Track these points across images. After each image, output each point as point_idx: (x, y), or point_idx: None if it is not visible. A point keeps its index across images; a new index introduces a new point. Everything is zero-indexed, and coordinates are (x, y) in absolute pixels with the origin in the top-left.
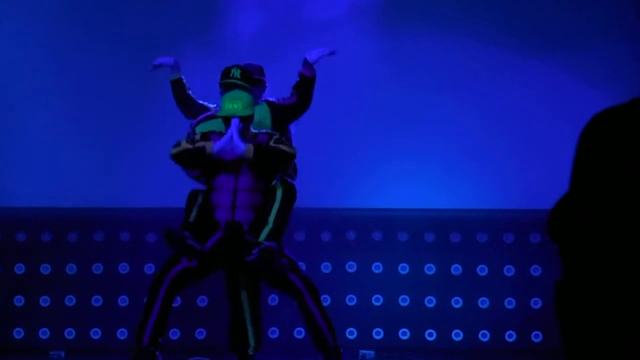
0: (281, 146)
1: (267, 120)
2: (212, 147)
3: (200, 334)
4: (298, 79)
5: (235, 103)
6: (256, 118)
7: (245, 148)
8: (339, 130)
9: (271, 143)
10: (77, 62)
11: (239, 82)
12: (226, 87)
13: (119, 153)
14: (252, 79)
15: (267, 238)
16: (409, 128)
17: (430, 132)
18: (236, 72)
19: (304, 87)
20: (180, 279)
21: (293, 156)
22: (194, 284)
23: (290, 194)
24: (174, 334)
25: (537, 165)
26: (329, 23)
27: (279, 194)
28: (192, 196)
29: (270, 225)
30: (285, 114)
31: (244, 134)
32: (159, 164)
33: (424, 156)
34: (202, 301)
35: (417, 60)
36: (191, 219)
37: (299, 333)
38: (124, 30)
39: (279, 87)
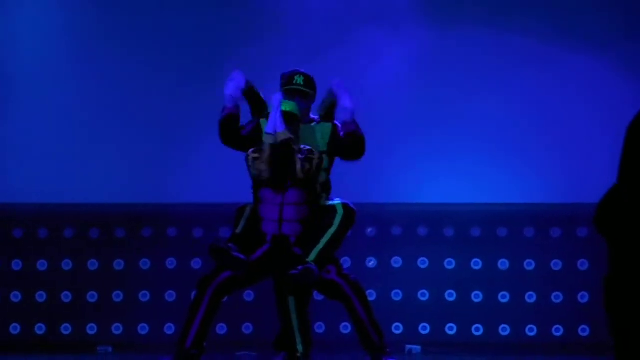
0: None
1: (327, 139)
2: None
3: (247, 328)
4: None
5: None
6: (318, 135)
7: (282, 129)
8: (382, 127)
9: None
10: (117, 55)
11: (303, 89)
12: (289, 93)
13: (167, 148)
14: (314, 86)
15: (316, 258)
16: (451, 124)
17: (471, 127)
18: (299, 79)
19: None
20: (227, 285)
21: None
22: (239, 290)
23: (349, 220)
24: (221, 329)
25: (582, 159)
26: (367, 18)
27: (338, 219)
28: (241, 209)
29: (320, 246)
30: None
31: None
32: (206, 160)
33: (467, 151)
34: (248, 296)
35: (457, 55)
36: (238, 230)
37: (345, 328)
38: (158, 22)
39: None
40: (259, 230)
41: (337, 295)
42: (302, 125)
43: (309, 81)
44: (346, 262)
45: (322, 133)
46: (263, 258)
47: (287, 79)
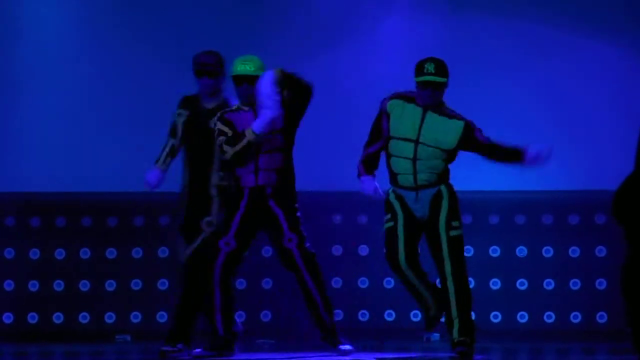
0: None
1: (458, 137)
2: (253, 132)
3: (266, 316)
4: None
5: (247, 64)
6: (449, 130)
7: (272, 112)
8: None
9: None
10: (129, 48)
11: (437, 79)
12: (422, 85)
13: None
14: (447, 72)
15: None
16: (467, 112)
17: (488, 115)
18: (430, 67)
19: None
20: (227, 263)
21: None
22: (240, 264)
23: None
24: (239, 317)
25: (600, 146)
26: (382, 8)
27: None
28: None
29: None
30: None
31: (250, 97)
32: None
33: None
34: (267, 284)
35: (478, 43)
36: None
37: (363, 316)
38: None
39: (334, 67)
40: (238, 187)
41: (290, 265)
42: (438, 116)
43: (441, 68)
44: (364, 249)
45: (454, 130)
46: (243, 222)
47: (417, 68)
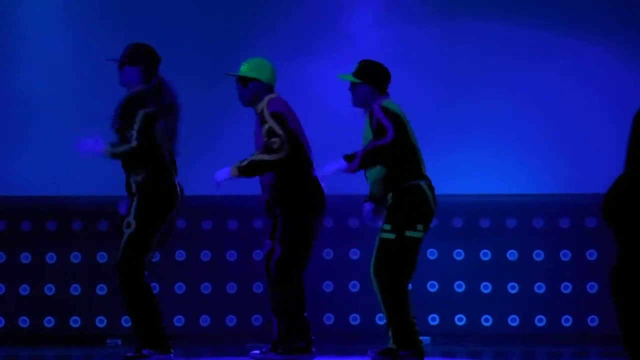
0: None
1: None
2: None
3: (257, 320)
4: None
5: (242, 65)
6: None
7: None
8: None
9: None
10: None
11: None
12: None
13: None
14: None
15: None
16: (459, 117)
17: (480, 119)
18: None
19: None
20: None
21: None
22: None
23: None
24: (231, 321)
25: (591, 149)
26: (376, 15)
27: None
28: None
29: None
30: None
31: (254, 97)
32: (214, 153)
33: (476, 143)
34: (257, 287)
35: (470, 46)
36: None
37: (354, 319)
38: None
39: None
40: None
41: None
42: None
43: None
44: (355, 253)
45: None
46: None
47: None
